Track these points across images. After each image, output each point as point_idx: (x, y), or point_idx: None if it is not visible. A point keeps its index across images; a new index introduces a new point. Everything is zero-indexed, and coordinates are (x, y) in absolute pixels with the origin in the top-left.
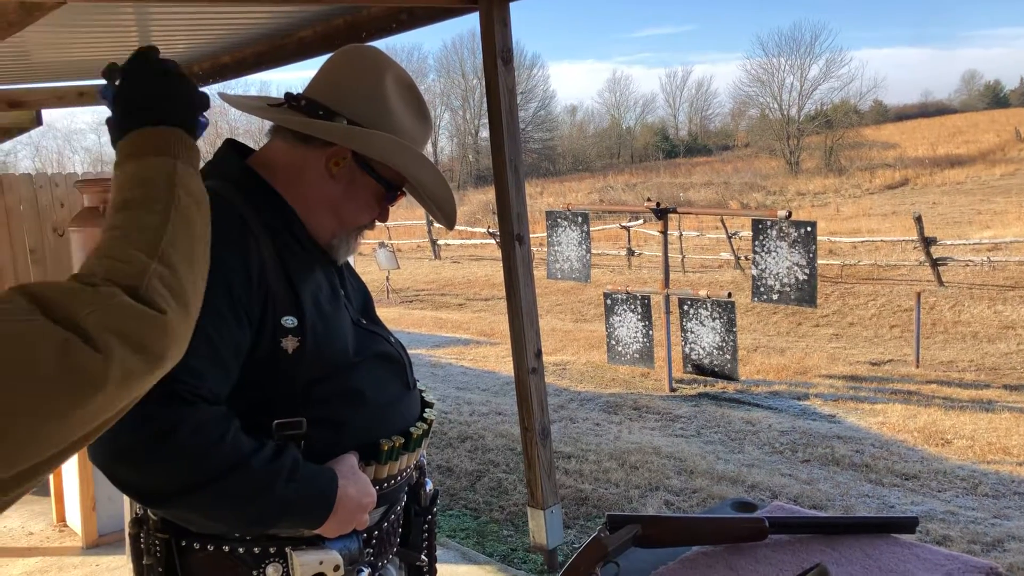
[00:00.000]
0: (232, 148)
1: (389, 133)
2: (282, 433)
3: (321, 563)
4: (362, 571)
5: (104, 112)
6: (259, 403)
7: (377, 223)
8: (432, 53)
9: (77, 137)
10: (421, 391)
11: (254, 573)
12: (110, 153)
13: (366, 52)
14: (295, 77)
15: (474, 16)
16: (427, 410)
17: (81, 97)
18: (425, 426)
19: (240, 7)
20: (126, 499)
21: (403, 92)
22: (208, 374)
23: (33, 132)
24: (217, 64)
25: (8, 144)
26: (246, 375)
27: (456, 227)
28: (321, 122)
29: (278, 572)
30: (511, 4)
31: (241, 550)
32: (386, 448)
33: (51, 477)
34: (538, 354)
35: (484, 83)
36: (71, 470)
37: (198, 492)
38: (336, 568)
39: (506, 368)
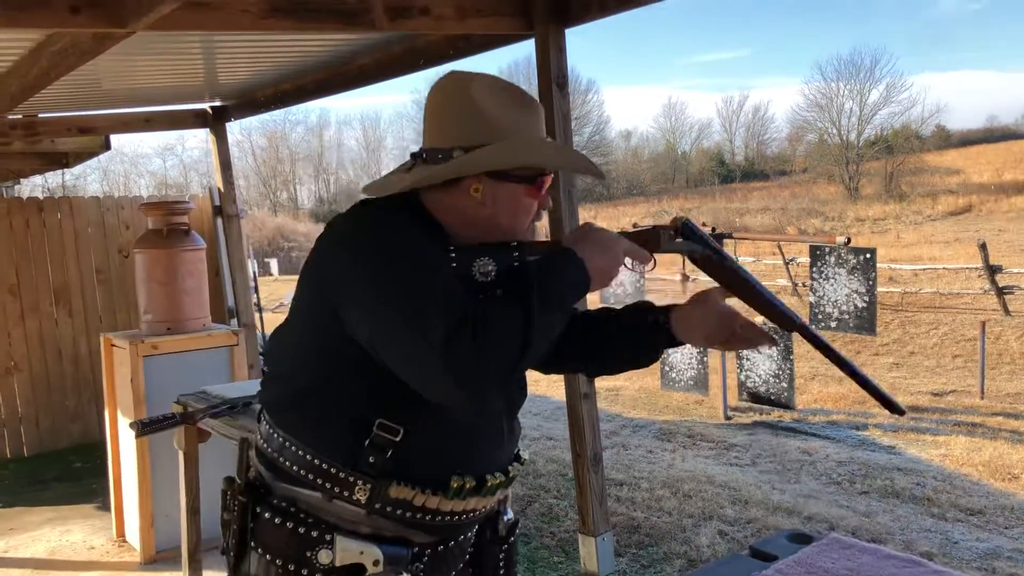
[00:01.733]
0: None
1: (497, 139)
2: (378, 435)
3: (362, 553)
4: None
5: (169, 136)
6: (372, 390)
7: (543, 211)
8: None
9: (143, 161)
10: (518, 447)
11: (308, 554)
12: (174, 176)
13: (448, 80)
14: (356, 104)
15: (530, 42)
16: (514, 464)
17: (147, 123)
18: (504, 478)
19: (301, 36)
20: (183, 515)
21: (496, 94)
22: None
23: (102, 156)
24: (279, 91)
25: (78, 168)
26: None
27: None
28: (438, 166)
29: (328, 558)
30: (567, 30)
31: (302, 530)
32: (455, 486)
33: (112, 493)
34: (591, 380)
35: None
36: (131, 487)
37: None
38: (375, 563)
39: (558, 393)
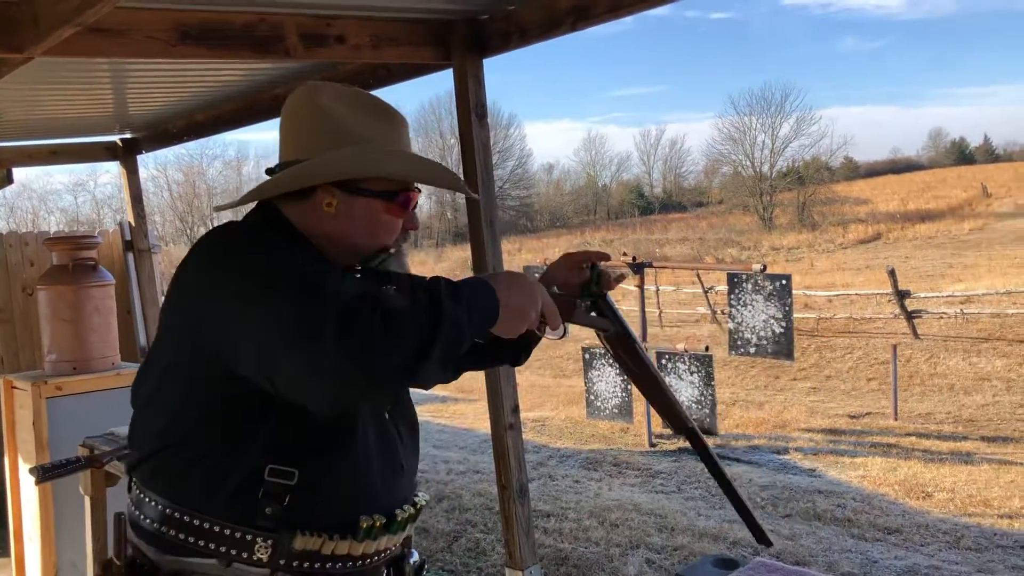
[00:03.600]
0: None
1: (347, 147)
2: (271, 482)
3: None
4: None
5: (80, 171)
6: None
7: (411, 231)
8: (410, 114)
9: (53, 198)
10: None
11: None
12: (86, 213)
13: (298, 92)
14: (270, 136)
15: (449, 74)
16: (419, 495)
17: (53, 156)
18: (413, 510)
19: (213, 64)
20: (90, 564)
21: (349, 103)
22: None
23: (8, 192)
24: (192, 122)
25: None
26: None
27: None
28: (283, 175)
29: None
30: (484, 60)
31: None
32: (364, 526)
33: (12, 543)
34: (515, 409)
35: (460, 138)
36: (34, 536)
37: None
38: None
39: (484, 426)
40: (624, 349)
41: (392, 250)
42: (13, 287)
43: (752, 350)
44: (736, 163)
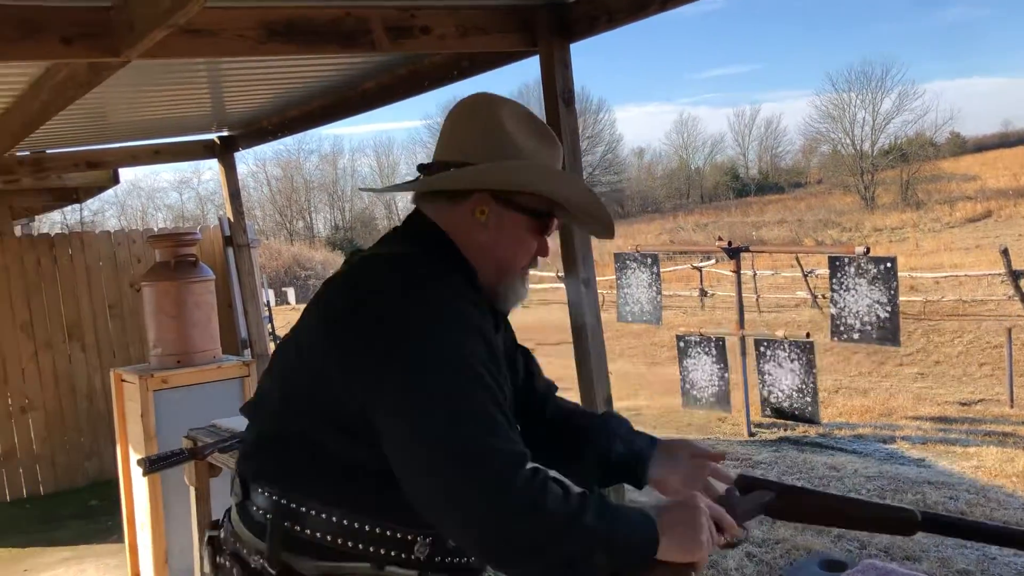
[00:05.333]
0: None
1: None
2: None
3: None
4: None
5: (184, 169)
6: None
7: (540, 259)
8: None
9: (160, 195)
10: None
11: None
12: (190, 209)
13: (475, 98)
14: (369, 130)
15: (535, 61)
16: None
17: (156, 155)
18: None
19: (301, 60)
20: (196, 552)
21: (522, 121)
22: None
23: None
24: (286, 118)
25: (96, 204)
26: None
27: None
28: (447, 174)
29: None
30: (571, 45)
31: None
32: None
33: (126, 530)
34: (608, 401)
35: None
36: (145, 524)
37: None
38: None
39: None
40: (795, 505)
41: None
42: (122, 283)
43: (855, 336)
44: (835, 141)
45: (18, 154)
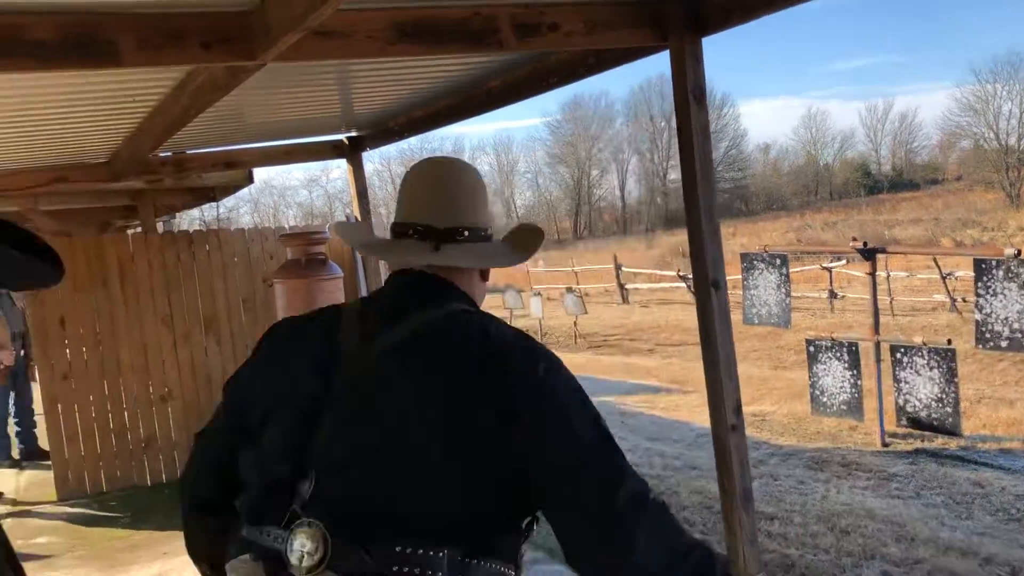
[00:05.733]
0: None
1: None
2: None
3: None
4: None
5: (314, 168)
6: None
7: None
8: (619, 98)
9: (291, 193)
10: None
11: None
12: (319, 206)
13: (457, 163)
14: (489, 129)
15: (662, 57)
16: None
17: (287, 155)
18: None
19: (430, 59)
20: None
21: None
22: None
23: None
24: (411, 118)
25: (231, 201)
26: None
27: (646, 270)
28: (511, 255)
29: None
30: (704, 39)
31: None
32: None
33: None
34: (738, 409)
35: (675, 123)
36: None
37: None
38: None
39: (700, 418)
40: None
41: None
42: (255, 279)
43: (1003, 343)
44: (977, 135)
45: (161, 155)
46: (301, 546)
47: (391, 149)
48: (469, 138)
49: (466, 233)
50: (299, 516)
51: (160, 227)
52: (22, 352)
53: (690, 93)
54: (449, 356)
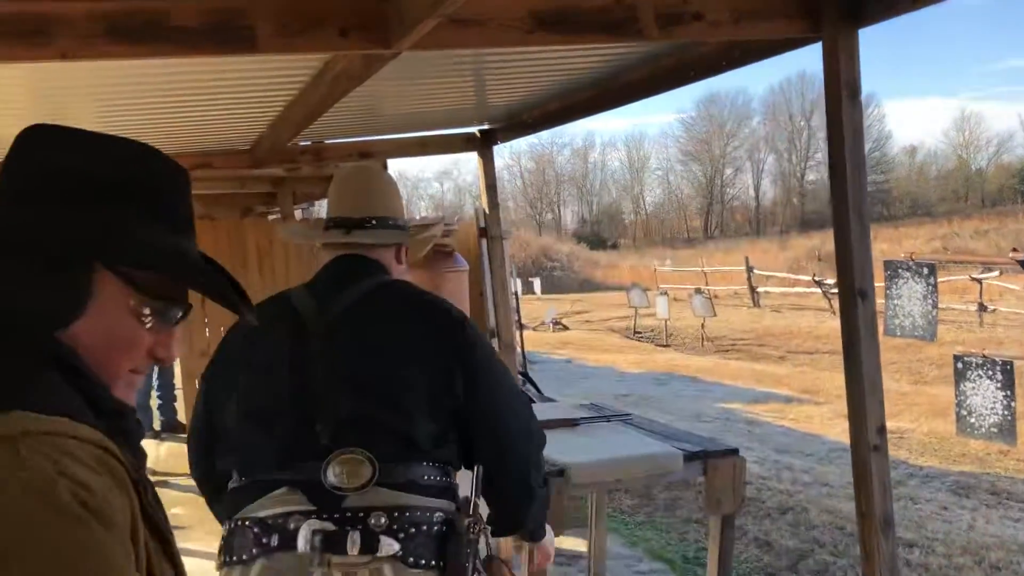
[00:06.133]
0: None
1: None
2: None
3: None
4: None
5: (445, 162)
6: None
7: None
8: (757, 96)
9: (423, 185)
10: None
11: None
12: (449, 199)
13: (378, 169)
14: (621, 125)
15: (806, 52)
16: None
17: (422, 147)
18: None
19: (567, 50)
20: None
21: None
22: None
23: None
24: (546, 112)
25: None
26: None
27: (779, 273)
28: (425, 235)
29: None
30: (859, 31)
31: None
32: None
33: None
34: (881, 429)
35: (825, 120)
36: None
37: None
38: None
39: (832, 432)
40: None
41: None
42: None
43: None
44: None
45: (300, 144)
46: (341, 471)
47: (521, 144)
48: (600, 134)
49: (373, 221)
50: (331, 449)
51: (299, 215)
52: None
53: (843, 89)
54: (393, 309)
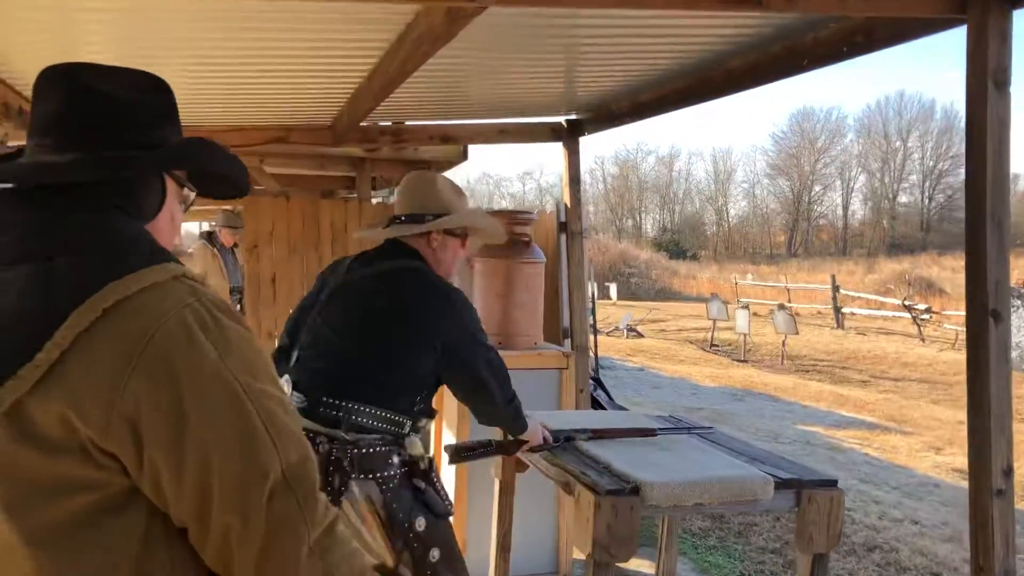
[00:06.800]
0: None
1: (449, 211)
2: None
3: None
4: None
5: (529, 162)
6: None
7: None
8: (852, 113)
9: (505, 184)
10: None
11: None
12: (530, 200)
13: (419, 173)
14: (708, 138)
15: (904, 71)
16: None
17: (502, 135)
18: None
19: (668, 33)
20: (492, 550)
21: (447, 186)
22: None
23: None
24: (636, 103)
25: None
26: None
27: (866, 295)
28: (442, 219)
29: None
30: (1015, 11)
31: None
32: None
33: None
34: (1008, 471)
35: (921, 140)
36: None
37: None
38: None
39: (921, 466)
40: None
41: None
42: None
43: None
44: None
45: (380, 123)
46: (291, 392)
47: (607, 149)
48: (687, 144)
49: (403, 218)
50: (286, 372)
51: (375, 202)
52: (238, 307)
53: (990, 76)
54: (394, 284)
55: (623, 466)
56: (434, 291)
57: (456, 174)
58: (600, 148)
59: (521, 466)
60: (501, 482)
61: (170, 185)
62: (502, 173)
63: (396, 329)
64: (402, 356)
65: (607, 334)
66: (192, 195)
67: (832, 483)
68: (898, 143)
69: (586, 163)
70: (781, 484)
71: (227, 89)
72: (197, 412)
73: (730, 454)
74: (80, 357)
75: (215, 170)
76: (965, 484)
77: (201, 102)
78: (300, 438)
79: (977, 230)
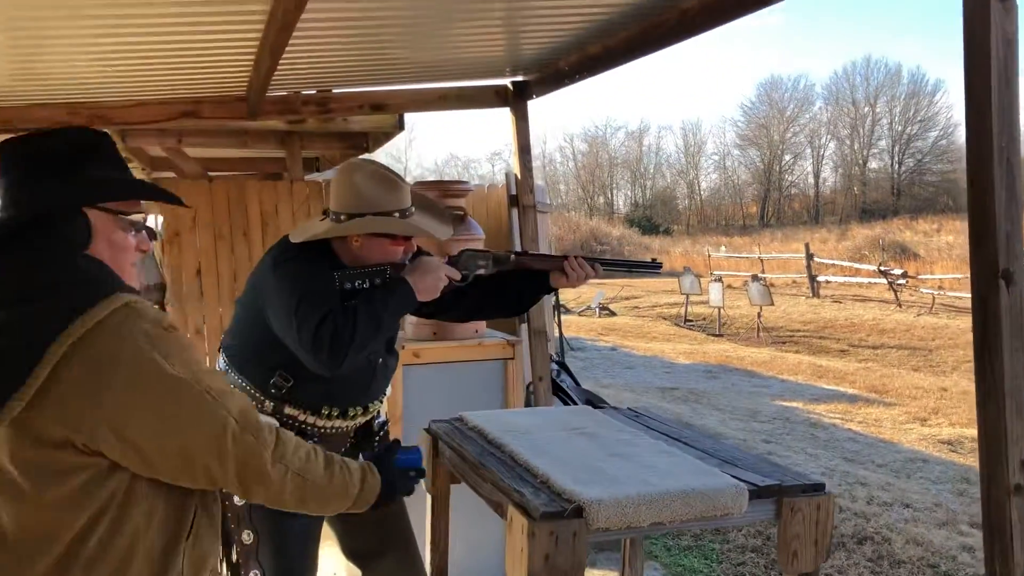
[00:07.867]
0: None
1: (368, 211)
2: (277, 380)
3: None
4: None
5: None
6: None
7: (410, 251)
8: (820, 81)
9: (474, 165)
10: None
11: None
12: (500, 180)
13: (346, 164)
14: (677, 110)
15: (870, 36)
16: (375, 403)
17: (442, 100)
18: (363, 411)
19: None
20: (427, 557)
21: (373, 178)
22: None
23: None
24: (585, 55)
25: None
26: None
27: (840, 263)
28: (344, 224)
29: None
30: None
31: None
32: (324, 412)
33: None
34: None
35: (889, 105)
36: None
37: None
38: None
39: (907, 439)
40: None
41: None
42: None
43: None
44: None
45: (303, 92)
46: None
47: (576, 127)
48: (657, 118)
49: (331, 215)
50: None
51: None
52: (157, 307)
53: None
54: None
55: (564, 480)
56: (264, 258)
57: (426, 156)
58: (569, 125)
59: (455, 478)
60: (433, 497)
61: (97, 216)
62: (470, 155)
63: (243, 299)
64: (246, 321)
65: (579, 314)
66: (138, 217)
67: (818, 487)
68: (866, 109)
69: (555, 141)
70: (757, 493)
71: (123, 62)
72: (168, 407)
73: (699, 456)
74: (63, 380)
75: (120, 199)
76: (953, 458)
77: (96, 78)
78: (237, 393)
79: (980, 173)
